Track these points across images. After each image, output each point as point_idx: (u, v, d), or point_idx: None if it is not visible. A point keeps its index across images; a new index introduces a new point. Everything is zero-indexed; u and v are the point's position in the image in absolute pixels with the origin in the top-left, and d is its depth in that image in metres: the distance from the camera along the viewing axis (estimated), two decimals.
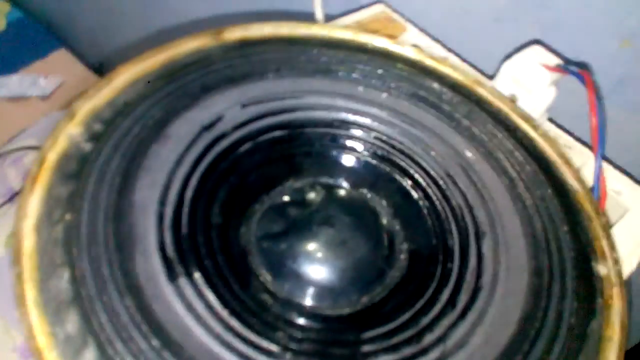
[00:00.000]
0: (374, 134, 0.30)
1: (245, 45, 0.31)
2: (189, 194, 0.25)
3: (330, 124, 0.30)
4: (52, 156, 0.24)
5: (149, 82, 0.26)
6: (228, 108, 0.28)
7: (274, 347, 0.21)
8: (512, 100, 0.36)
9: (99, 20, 1.15)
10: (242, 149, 0.27)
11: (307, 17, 0.48)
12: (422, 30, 0.46)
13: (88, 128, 0.25)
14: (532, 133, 0.31)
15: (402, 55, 0.32)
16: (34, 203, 0.22)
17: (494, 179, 0.30)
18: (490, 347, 0.23)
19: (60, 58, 1.16)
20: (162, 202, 0.24)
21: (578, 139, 0.39)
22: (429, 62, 0.32)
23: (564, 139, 0.39)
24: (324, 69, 0.30)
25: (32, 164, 0.39)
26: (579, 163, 0.37)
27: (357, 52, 0.31)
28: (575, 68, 0.32)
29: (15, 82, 1.08)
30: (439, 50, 0.44)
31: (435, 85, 0.31)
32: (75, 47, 1.23)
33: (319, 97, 0.29)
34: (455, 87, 0.32)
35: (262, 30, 0.31)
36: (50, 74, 1.11)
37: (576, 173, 0.30)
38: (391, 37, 0.34)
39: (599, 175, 0.30)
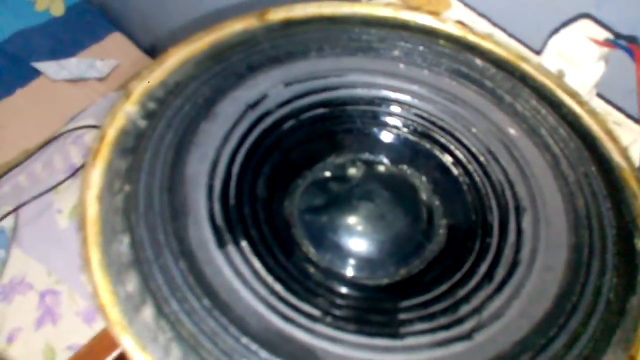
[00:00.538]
0: (414, 110, 0.31)
1: (289, 25, 0.32)
2: (235, 168, 0.27)
3: (371, 101, 0.31)
4: (111, 132, 0.26)
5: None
6: (272, 87, 0.29)
7: (315, 312, 0.23)
8: (559, 75, 0.36)
9: (150, 4, 1.19)
10: (285, 126, 0.29)
11: None
12: (467, 5, 0.45)
13: (143, 106, 0.27)
14: (578, 109, 0.31)
15: (444, 31, 0.33)
16: (95, 175, 0.25)
17: (537, 155, 0.30)
18: (525, 319, 0.24)
19: (115, 41, 1.21)
20: (211, 176, 0.26)
21: (629, 116, 0.38)
22: (472, 38, 0.32)
23: (614, 115, 0.38)
24: (366, 47, 0.31)
25: (92, 141, 0.42)
26: (629, 140, 0.37)
27: (399, 30, 0.32)
28: (624, 42, 0.31)
29: (75, 65, 1.14)
30: (484, 26, 0.43)
31: (478, 61, 0.32)
32: (128, 31, 1.28)
33: (360, 75, 0.30)
34: (499, 63, 0.32)
35: (305, 10, 0.32)
36: (106, 56, 1.17)
37: (622, 150, 0.30)
38: (434, 13, 0.34)
39: None
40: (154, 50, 1.26)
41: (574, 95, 0.32)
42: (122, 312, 0.21)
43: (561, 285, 0.25)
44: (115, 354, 0.51)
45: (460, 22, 0.36)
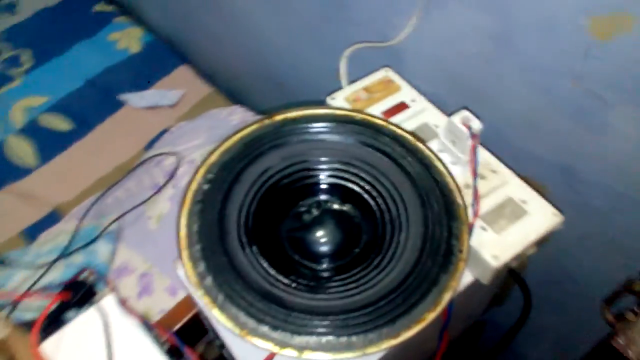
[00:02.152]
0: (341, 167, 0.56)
1: (287, 121, 0.58)
2: (252, 208, 0.53)
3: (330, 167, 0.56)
4: (190, 191, 0.53)
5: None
6: (273, 162, 0.55)
7: (288, 282, 0.49)
8: (416, 135, 0.60)
9: (208, 41, 1.46)
10: (280, 184, 0.55)
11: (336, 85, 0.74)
12: (414, 87, 0.69)
13: (205, 177, 0.54)
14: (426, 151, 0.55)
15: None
16: (184, 213, 0.52)
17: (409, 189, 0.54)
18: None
19: (182, 73, 1.49)
20: (239, 214, 0.52)
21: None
22: (376, 121, 0.57)
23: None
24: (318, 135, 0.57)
25: (169, 166, 0.71)
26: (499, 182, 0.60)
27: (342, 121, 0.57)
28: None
29: (151, 95, 1.43)
30: (422, 102, 0.68)
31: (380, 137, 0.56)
32: (192, 63, 1.56)
33: (318, 153, 0.56)
34: (392, 136, 0.57)
35: (295, 113, 0.58)
36: (175, 87, 1.45)
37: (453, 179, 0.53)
38: (359, 111, 0.59)
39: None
40: (213, 78, 1.54)
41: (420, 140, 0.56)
42: (197, 280, 0.48)
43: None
44: (191, 314, 0.79)
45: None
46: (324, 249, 0.54)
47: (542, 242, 0.58)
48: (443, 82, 0.81)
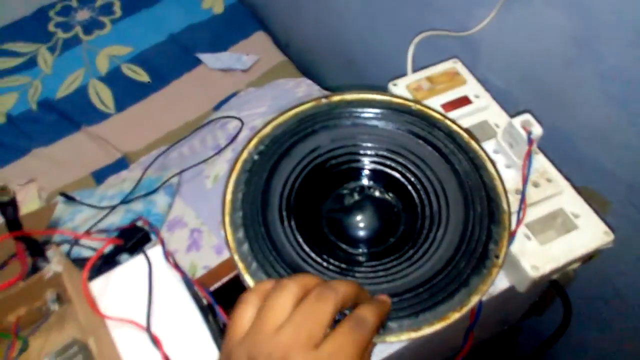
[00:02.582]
0: (389, 156, 0.56)
1: (343, 103, 0.58)
2: (297, 184, 0.55)
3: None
4: (240, 160, 0.56)
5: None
6: (322, 142, 0.56)
7: (320, 260, 0.51)
8: (470, 132, 0.58)
9: (287, 10, 1.48)
10: (327, 164, 0.56)
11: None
12: (483, 81, 0.68)
13: (256, 147, 0.56)
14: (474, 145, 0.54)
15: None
16: (232, 180, 0.54)
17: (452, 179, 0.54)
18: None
19: (259, 39, 1.52)
20: (284, 187, 0.54)
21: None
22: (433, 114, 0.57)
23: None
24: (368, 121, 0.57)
25: (232, 129, 0.74)
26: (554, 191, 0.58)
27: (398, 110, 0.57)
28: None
29: (226, 58, 1.47)
30: (486, 98, 0.66)
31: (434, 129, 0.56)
32: (270, 30, 1.58)
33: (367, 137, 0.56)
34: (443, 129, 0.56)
35: (352, 95, 0.58)
36: (250, 51, 1.48)
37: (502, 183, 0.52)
38: (416, 102, 0.59)
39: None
40: (287, 47, 1.56)
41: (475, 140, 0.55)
42: (235, 245, 0.51)
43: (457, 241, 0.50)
44: (232, 274, 0.83)
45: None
46: (361, 233, 0.55)
47: (589, 259, 0.57)
48: (517, 79, 0.78)
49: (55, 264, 0.51)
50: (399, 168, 0.56)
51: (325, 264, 0.51)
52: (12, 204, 0.49)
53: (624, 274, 0.78)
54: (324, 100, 0.58)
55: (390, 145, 0.56)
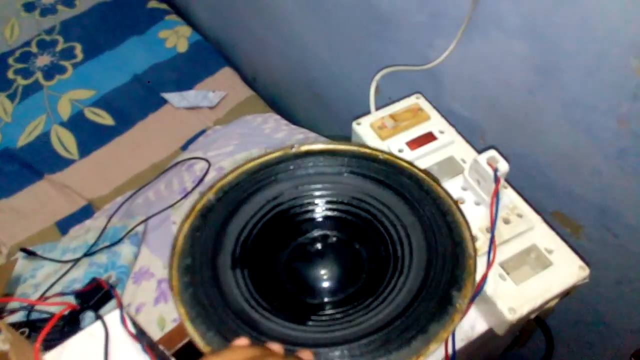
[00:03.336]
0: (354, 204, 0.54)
1: (310, 153, 0.57)
2: (255, 231, 0.52)
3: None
4: (198, 206, 0.53)
5: None
6: (285, 188, 0.54)
7: (268, 307, 0.48)
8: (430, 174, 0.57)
9: (253, 45, 1.47)
10: (289, 213, 0.54)
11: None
12: (447, 115, 0.67)
13: (216, 194, 0.54)
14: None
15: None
16: (185, 227, 0.52)
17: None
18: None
19: (225, 75, 1.51)
20: (240, 233, 0.52)
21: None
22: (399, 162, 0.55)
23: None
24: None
25: (199, 171, 0.71)
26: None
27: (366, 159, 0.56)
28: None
29: (192, 96, 1.45)
30: (450, 134, 0.65)
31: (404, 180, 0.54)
32: (235, 65, 1.57)
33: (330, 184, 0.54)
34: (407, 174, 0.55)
35: (319, 146, 0.57)
36: (217, 88, 1.46)
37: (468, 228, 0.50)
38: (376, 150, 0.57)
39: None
40: (255, 81, 1.55)
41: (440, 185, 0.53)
42: (180, 289, 0.48)
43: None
44: None
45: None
46: (321, 284, 0.52)
47: (566, 295, 0.55)
48: (482, 109, 0.78)
49: (1, 342, 0.47)
50: (364, 215, 0.54)
51: (275, 311, 0.48)
52: None
53: (603, 296, 0.77)
54: (291, 151, 0.57)
55: (356, 194, 0.54)
